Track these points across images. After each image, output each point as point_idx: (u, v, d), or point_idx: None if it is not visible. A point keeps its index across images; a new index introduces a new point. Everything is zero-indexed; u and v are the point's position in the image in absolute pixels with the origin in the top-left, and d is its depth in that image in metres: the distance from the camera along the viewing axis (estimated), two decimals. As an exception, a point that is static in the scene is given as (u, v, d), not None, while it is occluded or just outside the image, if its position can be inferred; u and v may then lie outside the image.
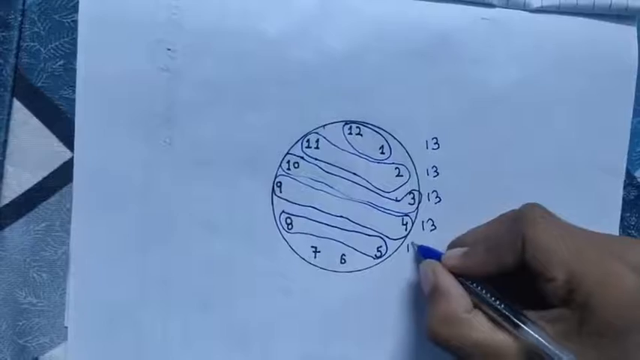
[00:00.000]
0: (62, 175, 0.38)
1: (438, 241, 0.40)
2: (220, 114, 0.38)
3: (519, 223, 0.33)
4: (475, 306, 0.34)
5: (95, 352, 0.39)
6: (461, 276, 0.35)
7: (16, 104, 0.38)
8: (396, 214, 0.40)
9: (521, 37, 0.40)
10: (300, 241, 0.40)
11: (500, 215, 0.36)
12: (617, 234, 0.42)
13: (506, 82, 0.40)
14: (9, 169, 0.38)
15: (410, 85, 0.40)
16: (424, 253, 0.39)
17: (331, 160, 0.40)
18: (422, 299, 0.39)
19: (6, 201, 0.38)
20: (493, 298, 0.33)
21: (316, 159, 0.39)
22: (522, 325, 0.31)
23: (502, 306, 0.33)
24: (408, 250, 0.40)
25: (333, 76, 0.39)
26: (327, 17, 0.39)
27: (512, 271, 0.33)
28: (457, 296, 0.34)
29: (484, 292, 0.34)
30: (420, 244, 0.39)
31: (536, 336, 0.31)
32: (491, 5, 0.40)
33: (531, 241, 0.32)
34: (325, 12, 0.39)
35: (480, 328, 0.32)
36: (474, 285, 0.35)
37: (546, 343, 0.30)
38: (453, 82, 0.40)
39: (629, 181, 0.42)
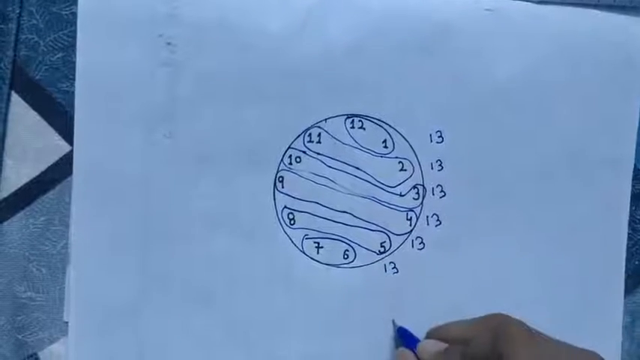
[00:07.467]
0: (61, 169, 0.38)
1: (443, 238, 0.39)
2: (221, 108, 0.38)
3: (501, 341, 0.32)
4: None
5: (96, 347, 0.38)
6: None
7: (15, 97, 0.38)
8: (400, 209, 0.40)
9: (525, 29, 0.40)
10: (303, 237, 0.39)
11: (483, 319, 0.35)
12: (626, 229, 0.41)
13: (511, 74, 0.40)
14: (8, 162, 0.38)
15: (413, 77, 0.39)
16: (402, 338, 0.38)
17: (334, 155, 0.39)
18: (426, 295, 0.39)
19: (5, 194, 0.38)
20: None
21: (318, 153, 0.39)
22: None
23: None
24: (412, 246, 0.40)
25: (334, 69, 0.39)
26: (328, 10, 0.39)
27: None
28: None
29: None
30: (400, 324, 0.39)
31: None
32: (495, -4, 0.40)
33: None
34: (326, 5, 0.39)
35: None
36: None
37: None
38: (456, 75, 0.40)
39: (635, 175, 0.41)
